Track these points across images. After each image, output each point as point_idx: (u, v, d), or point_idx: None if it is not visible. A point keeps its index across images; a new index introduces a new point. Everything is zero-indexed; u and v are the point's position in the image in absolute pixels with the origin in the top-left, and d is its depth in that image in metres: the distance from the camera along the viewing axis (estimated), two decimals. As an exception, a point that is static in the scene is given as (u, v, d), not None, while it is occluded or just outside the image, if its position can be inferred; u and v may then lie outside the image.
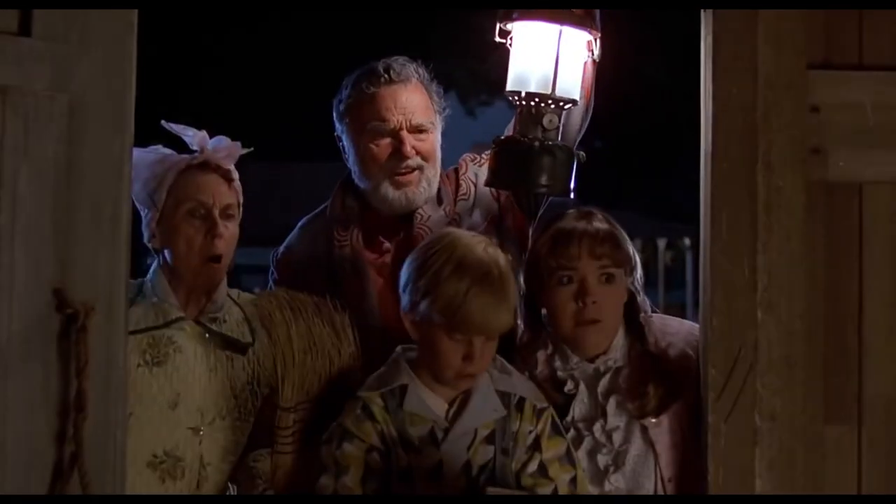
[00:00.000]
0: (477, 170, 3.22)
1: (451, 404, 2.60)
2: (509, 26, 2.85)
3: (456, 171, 3.26)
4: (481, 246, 2.57)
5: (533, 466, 2.58)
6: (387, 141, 3.09)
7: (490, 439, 2.58)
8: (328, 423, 2.61)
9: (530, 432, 2.60)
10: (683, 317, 3.15)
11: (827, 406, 2.48)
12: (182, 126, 2.84)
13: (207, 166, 2.81)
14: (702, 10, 2.51)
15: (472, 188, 3.20)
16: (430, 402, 2.58)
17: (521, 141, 2.83)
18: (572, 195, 2.86)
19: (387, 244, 3.14)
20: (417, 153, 3.09)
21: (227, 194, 2.82)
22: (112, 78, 2.23)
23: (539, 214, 3.01)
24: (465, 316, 2.50)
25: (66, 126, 2.18)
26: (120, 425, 2.24)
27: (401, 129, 3.08)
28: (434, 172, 3.13)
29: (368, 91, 3.10)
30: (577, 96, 2.85)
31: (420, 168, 3.09)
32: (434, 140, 3.14)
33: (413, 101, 3.10)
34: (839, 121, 2.48)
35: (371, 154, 3.10)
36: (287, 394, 2.66)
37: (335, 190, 3.24)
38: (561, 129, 2.85)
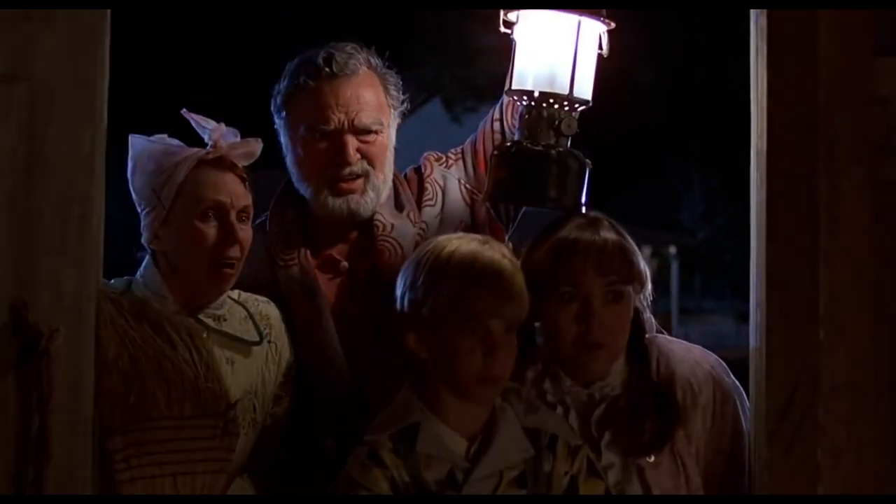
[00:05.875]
0: (444, 172, 2.94)
1: (471, 442, 2.40)
2: (512, 16, 2.62)
3: (418, 172, 2.97)
4: (477, 242, 2.43)
5: None
6: (327, 143, 2.79)
7: (519, 482, 2.38)
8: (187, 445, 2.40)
9: (566, 474, 2.42)
10: (668, 326, 2.90)
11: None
12: (201, 117, 2.66)
13: (222, 164, 2.64)
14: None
15: (440, 192, 2.92)
16: (447, 440, 2.38)
17: (533, 149, 2.59)
18: (584, 209, 2.63)
19: (343, 263, 2.85)
20: (363, 157, 2.80)
21: (244, 195, 2.66)
22: (81, 61, 2.08)
23: (517, 222, 2.85)
24: (477, 295, 2.33)
25: (26, 117, 2.05)
26: (89, 468, 2.09)
27: (343, 131, 2.78)
28: (383, 178, 2.83)
29: (307, 85, 2.80)
30: (590, 96, 2.63)
31: (365, 174, 2.80)
32: (383, 142, 2.83)
33: (360, 97, 2.79)
34: (911, 115, 2.32)
35: (309, 157, 2.81)
36: (105, 409, 2.35)
37: (275, 199, 2.93)
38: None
